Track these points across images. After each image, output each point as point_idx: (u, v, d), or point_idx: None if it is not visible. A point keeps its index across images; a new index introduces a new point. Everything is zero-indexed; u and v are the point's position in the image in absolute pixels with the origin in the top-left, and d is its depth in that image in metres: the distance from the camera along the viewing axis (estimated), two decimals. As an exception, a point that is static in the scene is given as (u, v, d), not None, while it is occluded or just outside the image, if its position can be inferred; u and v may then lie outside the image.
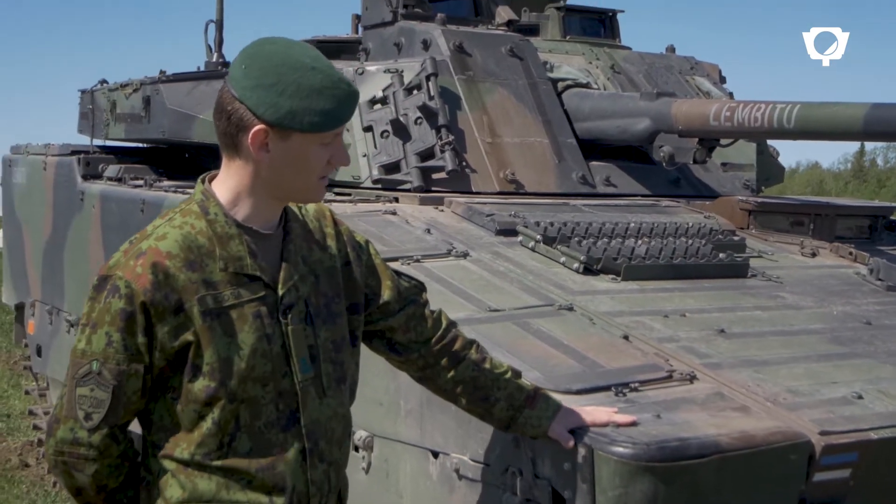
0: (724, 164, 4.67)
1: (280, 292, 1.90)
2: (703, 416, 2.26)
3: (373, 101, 4.06)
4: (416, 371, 2.21)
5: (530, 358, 2.47)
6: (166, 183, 4.86)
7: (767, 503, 2.22)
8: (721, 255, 3.37)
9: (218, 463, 1.85)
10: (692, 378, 2.47)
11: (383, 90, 4.07)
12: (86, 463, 1.86)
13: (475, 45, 4.33)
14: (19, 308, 6.42)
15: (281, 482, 1.87)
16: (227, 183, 1.91)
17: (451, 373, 2.17)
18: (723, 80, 5.19)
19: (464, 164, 3.98)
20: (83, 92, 6.31)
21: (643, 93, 4.24)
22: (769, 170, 5.03)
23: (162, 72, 5.29)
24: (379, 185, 3.96)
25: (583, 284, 3.03)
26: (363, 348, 2.14)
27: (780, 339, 2.81)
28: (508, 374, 2.19)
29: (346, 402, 2.02)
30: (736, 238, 3.65)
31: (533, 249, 3.24)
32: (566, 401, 2.22)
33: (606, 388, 2.35)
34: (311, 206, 2.06)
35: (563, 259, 3.16)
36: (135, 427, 1.94)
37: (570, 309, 2.80)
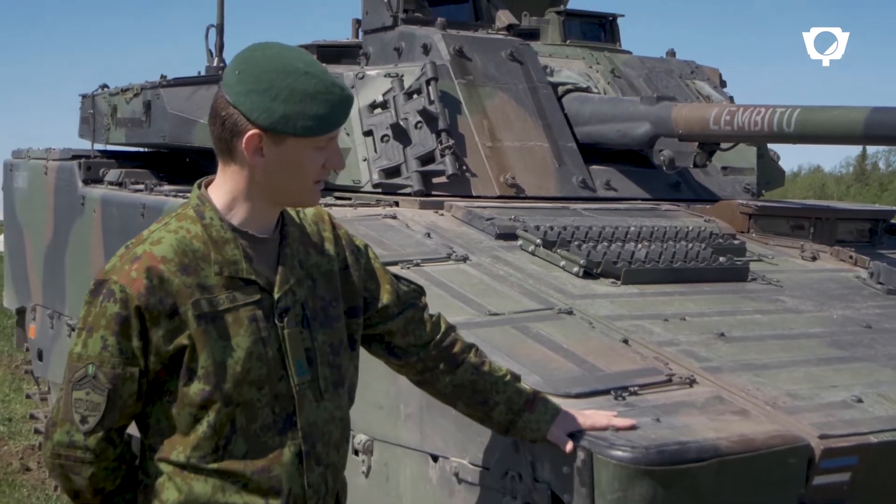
0: (724, 168, 4.67)
1: (276, 296, 1.90)
2: (702, 419, 2.25)
3: (373, 106, 4.06)
4: (415, 375, 2.21)
5: (530, 362, 2.47)
6: (167, 187, 4.87)
7: (767, 507, 2.22)
8: (721, 258, 3.37)
9: (214, 465, 1.86)
10: (692, 382, 2.47)
11: (383, 94, 4.07)
12: (82, 466, 1.87)
13: (475, 49, 4.33)
14: (20, 312, 6.42)
15: (277, 485, 1.88)
16: (222, 188, 1.92)
17: (450, 376, 2.17)
18: (723, 83, 5.19)
19: (464, 168, 3.99)
20: (84, 97, 6.32)
21: (643, 97, 4.24)
22: (770, 173, 5.02)
23: (163, 76, 5.29)
24: (379, 190, 3.96)
25: (582, 288, 3.03)
26: (363, 352, 2.15)
27: (779, 343, 2.81)
28: (507, 378, 2.19)
29: (345, 406, 2.03)
30: (736, 242, 3.65)
31: (533, 253, 3.24)
32: (566, 405, 2.22)
33: (606, 392, 2.35)
34: (309, 210, 2.07)
35: (562, 263, 3.16)
36: (133, 430, 1.94)
37: (570, 313, 2.80)
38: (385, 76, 4.14)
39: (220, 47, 5.17)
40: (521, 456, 2.26)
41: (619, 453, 2.06)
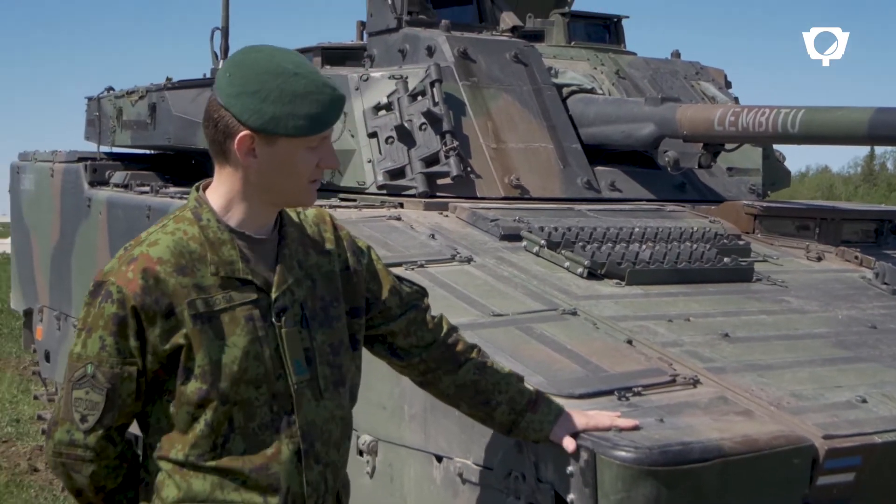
0: (729, 169, 4.66)
1: (273, 295, 1.91)
2: (706, 420, 2.25)
3: (377, 108, 4.07)
4: (418, 376, 2.21)
5: (533, 362, 2.47)
6: (172, 189, 4.88)
7: (770, 507, 2.21)
8: (726, 259, 3.36)
9: (212, 463, 1.87)
10: (695, 382, 2.46)
11: (388, 96, 4.08)
12: (83, 464, 1.89)
13: (480, 51, 4.33)
14: (27, 314, 6.44)
15: (275, 482, 1.89)
16: (219, 189, 1.94)
17: (453, 377, 2.17)
18: (728, 84, 5.18)
19: (468, 169, 3.99)
20: (90, 99, 6.35)
21: (648, 98, 4.23)
22: (775, 174, 5.02)
23: (168, 79, 5.31)
24: (384, 191, 3.97)
25: (587, 289, 3.03)
26: (366, 353, 2.15)
27: (784, 344, 2.81)
28: (510, 378, 2.19)
29: (346, 405, 2.03)
30: (741, 242, 3.64)
31: (537, 254, 3.24)
32: (569, 405, 2.22)
33: (609, 393, 2.35)
34: (310, 211, 2.08)
35: (567, 264, 3.16)
36: (135, 429, 1.96)
37: (574, 313, 2.80)
38: (389, 78, 4.15)
39: (226, 50, 5.18)
40: (524, 456, 2.26)
41: (623, 454, 2.06)
